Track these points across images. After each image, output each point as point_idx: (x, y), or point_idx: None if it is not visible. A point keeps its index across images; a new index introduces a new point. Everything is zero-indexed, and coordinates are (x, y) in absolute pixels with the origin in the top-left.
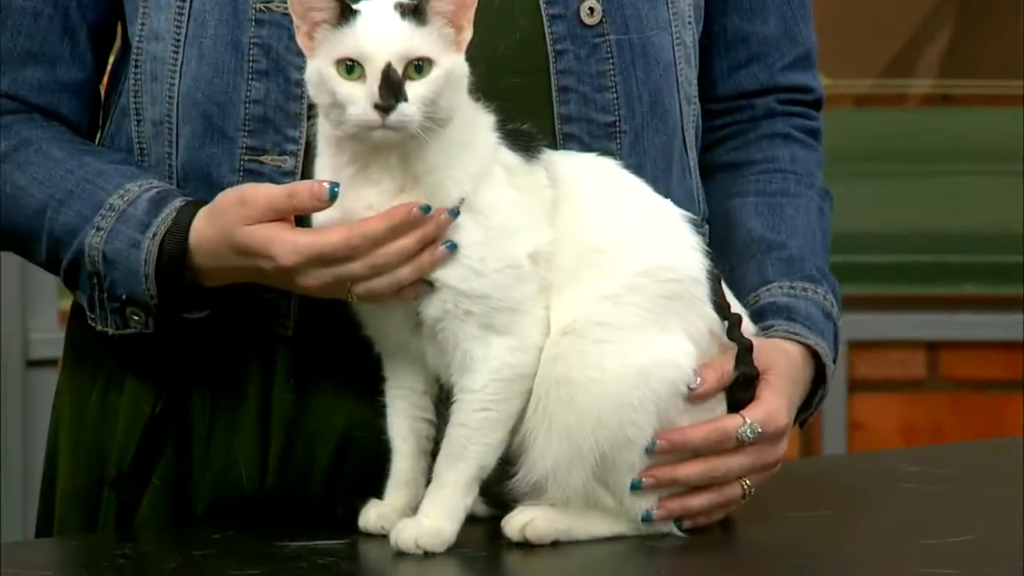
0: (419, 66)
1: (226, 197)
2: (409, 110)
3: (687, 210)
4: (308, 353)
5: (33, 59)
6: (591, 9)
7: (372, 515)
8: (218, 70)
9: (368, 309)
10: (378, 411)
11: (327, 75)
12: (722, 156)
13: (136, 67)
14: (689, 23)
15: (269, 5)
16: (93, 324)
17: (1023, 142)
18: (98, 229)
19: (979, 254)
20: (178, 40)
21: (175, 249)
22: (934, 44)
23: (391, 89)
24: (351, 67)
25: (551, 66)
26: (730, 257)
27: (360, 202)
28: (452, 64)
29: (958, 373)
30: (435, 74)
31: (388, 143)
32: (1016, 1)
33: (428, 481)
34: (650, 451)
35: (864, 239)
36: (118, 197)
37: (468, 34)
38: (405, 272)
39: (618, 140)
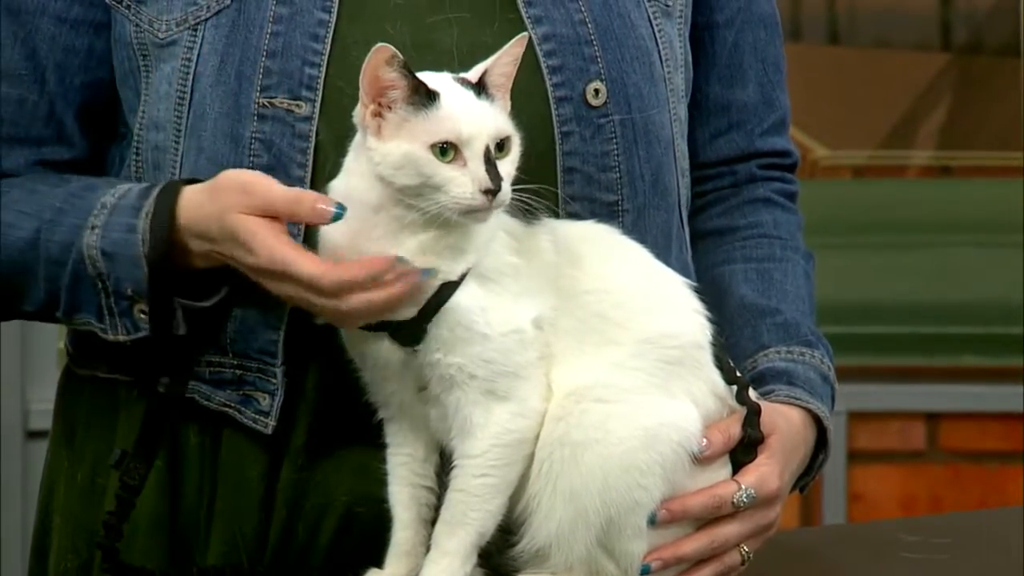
0: (500, 144)
1: (228, 179)
2: (506, 189)
3: None
4: (318, 436)
5: (19, 143)
6: (596, 90)
7: None
8: (217, 163)
9: (371, 373)
10: (380, 482)
11: (421, 159)
12: (706, 223)
13: (137, 155)
14: (682, 97)
15: (272, 101)
16: (104, 336)
17: (1022, 213)
18: (93, 228)
19: (979, 325)
20: (178, 130)
21: (160, 225)
22: (932, 116)
23: (495, 172)
24: (445, 149)
25: (557, 148)
26: (723, 324)
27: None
28: (517, 136)
29: (958, 444)
30: (515, 150)
31: (478, 223)
32: (1014, 73)
33: (428, 549)
34: (652, 522)
35: (863, 310)
36: (110, 196)
37: (508, 106)
38: (376, 313)
39: (620, 219)
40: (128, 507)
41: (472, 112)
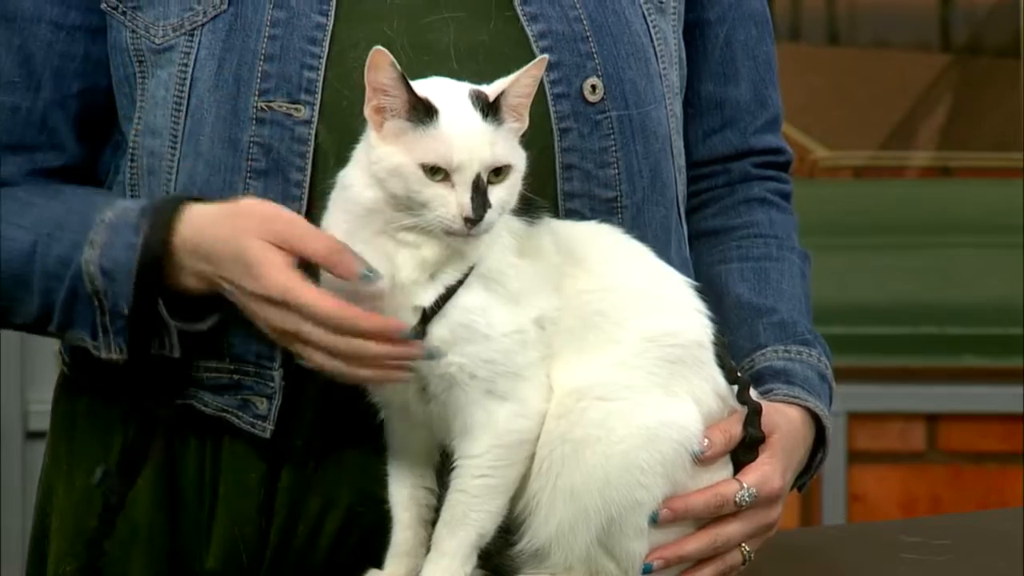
0: (498, 170)
1: (250, 205)
2: (492, 216)
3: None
4: (319, 436)
5: (12, 151)
6: (593, 86)
7: None
8: (215, 168)
9: None
10: (381, 482)
11: (411, 175)
12: (702, 223)
13: (132, 161)
14: (678, 94)
15: (271, 104)
16: (96, 353)
17: (1022, 214)
18: (92, 244)
19: (978, 326)
20: (175, 136)
21: (154, 240)
22: (933, 117)
23: (481, 201)
24: (436, 169)
25: (555, 144)
26: (720, 324)
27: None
28: (522, 161)
29: (957, 445)
30: (513, 178)
31: (458, 245)
32: (1014, 73)
33: (428, 550)
34: (654, 521)
35: (863, 311)
36: (109, 212)
37: (525, 124)
38: (364, 373)
39: (619, 215)
40: (110, 526)
41: (469, 138)
